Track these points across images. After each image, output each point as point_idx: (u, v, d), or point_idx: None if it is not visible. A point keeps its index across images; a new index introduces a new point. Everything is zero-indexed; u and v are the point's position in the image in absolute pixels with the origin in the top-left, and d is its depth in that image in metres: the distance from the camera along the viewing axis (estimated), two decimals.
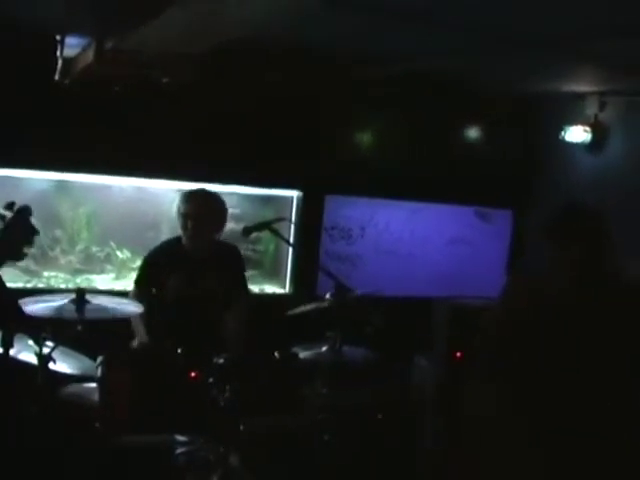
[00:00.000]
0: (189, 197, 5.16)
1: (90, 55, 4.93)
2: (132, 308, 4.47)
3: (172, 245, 5.28)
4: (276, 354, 4.50)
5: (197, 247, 5.16)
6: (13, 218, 3.10)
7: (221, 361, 4.29)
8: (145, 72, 4.58)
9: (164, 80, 4.68)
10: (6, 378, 3.35)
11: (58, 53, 5.44)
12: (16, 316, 3.04)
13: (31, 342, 3.97)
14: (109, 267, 6.58)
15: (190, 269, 5.13)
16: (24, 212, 3.13)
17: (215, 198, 5.22)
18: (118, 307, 4.34)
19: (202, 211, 5.11)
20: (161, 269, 5.17)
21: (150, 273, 5.23)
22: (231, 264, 5.39)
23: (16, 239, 3.08)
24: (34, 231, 3.13)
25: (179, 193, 5.32)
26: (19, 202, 6.00)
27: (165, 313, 5.07)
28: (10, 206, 3.12)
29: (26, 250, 3.12)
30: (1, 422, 3.70)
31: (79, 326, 4.14)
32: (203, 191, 5.26)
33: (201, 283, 5.13)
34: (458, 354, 5.12)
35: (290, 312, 5.17)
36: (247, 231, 5.01)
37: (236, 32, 3.85)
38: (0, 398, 3.35)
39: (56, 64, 5.50)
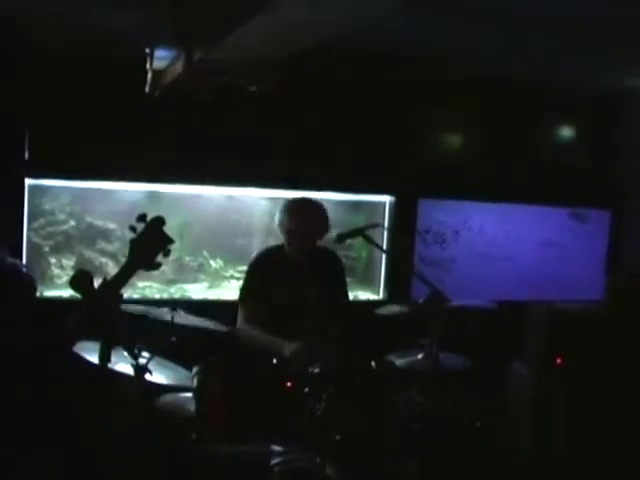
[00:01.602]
0: (295, 209, 5.04)
1: (179, 66, 4.96)
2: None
3: (274, 253, 5.18)
4: (372, 363, 4.43)
5: (302, 256, 5.09)
6: (145, 229, 3.12)
7: (317, 370, 4.24)
8: (233, 81, 4.58)
9: (252, 88, 4.67)
10: (103, 390, 3.36)
11: (148, 65, 5.50)
12: (118, 330, 3.06)
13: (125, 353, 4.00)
14: (202, 276, 6.61)
15: (293, 279, 5.05)
16: (156, 222, 3.15)
17: (320, 208, 5.09)
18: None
19: (309, 224, 5.01)
20: (264, 278, 5.09)
21: (254, 282, 5.12)
22: (331, 270, 5.29)
23: (149, 249, 3.09)
24: (169, 240, 3.15)
25: (283, 202, 5.15)
26: (114, 214, 6.23)
27: (267, 323, 5.01)
28: (142, 218, 3.15)
29: (160, 260, 3.14)
30: (98, 433, 3.72)
31: (174, 337, 4.17)
32: (309, 202, 5.13)
33: (305, 292, 5.05)
34: (558, 360, 4.98)
35: (378, 311, 5.11)
36: (341, 238, 4.95)
37: (321, 37, 3.81)
38: (97, 409, 3.36)
39: (146, 76, 5.56)
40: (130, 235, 3.16)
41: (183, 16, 4.13)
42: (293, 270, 5.08)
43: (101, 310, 2.96)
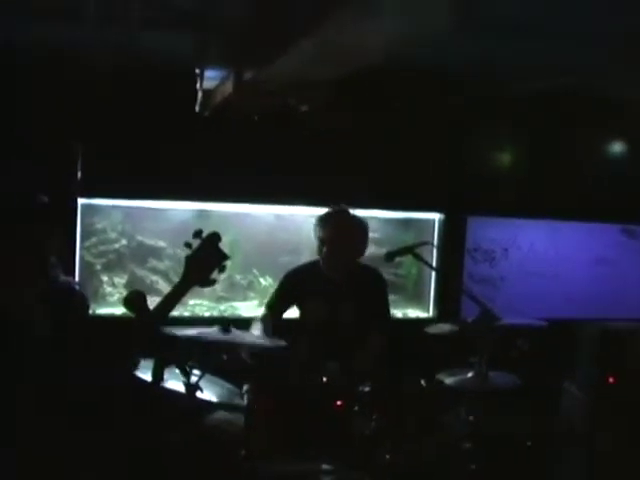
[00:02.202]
0: (327, 217, 5.09)
1: (229, 86, 5.00)
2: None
3: (311, 267, 5.21)
4: (422, 382, 4.42)
5: (333, 268, 5.08)
6: (201, 245, 3.12)
7: (367, 389, 4.24)
8: (283, 101, 4.61)
9: (303, 108, 4.69)
10: (155, 407, 3.38)
11: (198, 85, 5.55)
12: (170, 347, 3.08)
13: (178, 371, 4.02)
14: (252, 294, 6.65)
15: (328, 294, 5.06)
16: (212, 238, 3.14)
17: (354, 218, 5.11)
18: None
19: (339, 231, 5.01)
20: (299, 290, 5.14)
21: (284, 294, 5.20)
22: (372, 290, 5.25)
23: (204, 266, 3.09)
24: (224, 256, 3.14)
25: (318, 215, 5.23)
26: (164, 232, 6.29)
27: (304, 339, 5.02)
28: (198, 234, 3.14)
29: (216, 276, 3.14)
30: (150, 450, 3.75)
31: (225, 355, 4.18)
32: (342, 211, 5.14)
33: (340, 309, 5.05)
34: (611, 379, 4.91)
35: (428, 329, 5.09)
36: (390, 256, 4.94)
37: (372, 58, 3.83)
38: (149, 427, 3.38)
39: (196, 96, 5.61)
40: (184, 252, 3.18)
41: (233, 37, 4.17)
42: (328, 286, 5.09)
43: (155, 328, 2.99)
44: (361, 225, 5.09)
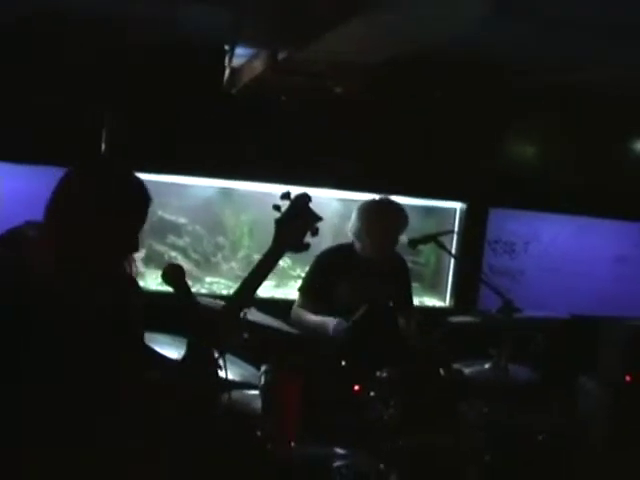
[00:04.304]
0: (379, 211, 5.03)
1: (258, 65, 4.96)
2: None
3: (344, 251, 5.14)
4: (441, 370, 4.39)
5: (374, 254, 5.04)
6: (290, 207, 2.91)
7: (384, 375, 4.22)
8: (317, 82, 4.56)
9: (337, 90, 4.64)
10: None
11: (226, 63, 5.50)
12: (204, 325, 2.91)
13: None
14: (269, 275, 6.58)
15: (361, 278, 5.01)
16: (302, 199, 2.92)
17: (402, 211, 5.07)
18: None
19: (393, 226, 5.00)
20: (331, 273, 5.05)
21: (319, 275, 5.10)
22: (400, 275, 5.28)
23: (296, 229, 2.90)
24: (316, 218, 2.93)
25: (363, 203, 5.12)
26: (185, 209, 6.26)
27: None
28: (286, 195, 2.93)
29: (308, 239, 2.93)
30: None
31: (245, 334, 4.15)
32: (393, 204, 5.10)
33: (371, 294, 5.01)
34: (628, 377, 4.89)
35: (450, 319, 5.06)
36: (413, 243, 4.93)
37: (410, 45, 3.79)
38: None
39: (223, 73, 5.57)
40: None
41: (271, 15, 4.12)
42: (363, 271, 5.05)
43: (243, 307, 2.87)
44: (404, 213, 5.05)
